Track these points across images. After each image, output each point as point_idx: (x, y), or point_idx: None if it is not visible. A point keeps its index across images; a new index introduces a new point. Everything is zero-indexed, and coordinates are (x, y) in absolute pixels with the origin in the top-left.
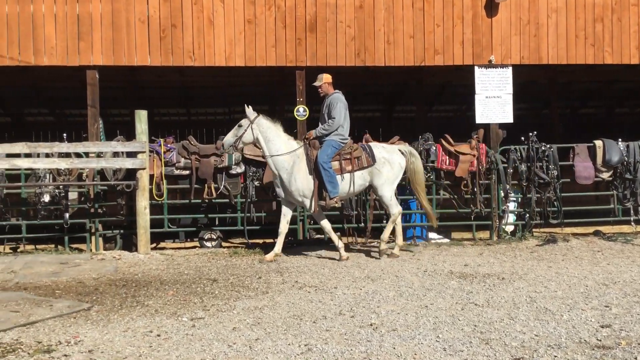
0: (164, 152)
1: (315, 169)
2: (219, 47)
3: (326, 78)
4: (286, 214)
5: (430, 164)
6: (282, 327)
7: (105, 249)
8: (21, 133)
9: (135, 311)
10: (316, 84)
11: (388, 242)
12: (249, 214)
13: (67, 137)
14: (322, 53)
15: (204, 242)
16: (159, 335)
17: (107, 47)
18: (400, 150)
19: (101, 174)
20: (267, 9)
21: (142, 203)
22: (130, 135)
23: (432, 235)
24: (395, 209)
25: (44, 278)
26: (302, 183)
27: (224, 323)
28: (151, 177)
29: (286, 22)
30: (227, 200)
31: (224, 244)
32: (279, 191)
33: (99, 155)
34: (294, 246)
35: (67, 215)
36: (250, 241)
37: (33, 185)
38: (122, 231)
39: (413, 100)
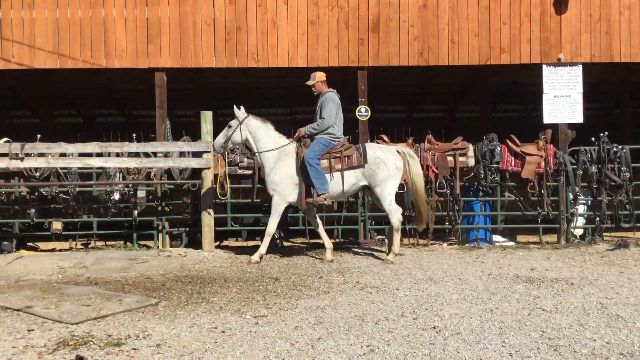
0: (228, 152)
1: (302, 166)
2: (282, 48)
3: (319, 76)
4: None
5: (495, 165)
6: (344, 327)
7: (171, 246)
8: (92, 133)
9: (200, 307)
10: (309, 82)
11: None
12: None
13: (136, 137)
14: (385, 53)
15: None
16: (223, 332)
17: (175, 50)
18: (398, 151)
19: (168, 173)
20: (329, 9)
21: (207, 202)
22: (195, 135)
23: (497, 238)
24: (395, 216)
25: (113, 273)
26: (277, 177)
27: (287, 321)
28: (215, 176)
29: (349, 23)
30: None
31: (285, 243)
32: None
33: (166, 155)
34: (355, 246)
35: (135, 212)
36: (312, 241)
37: (104, 184)
38: (187, 229)
39: (477, 100)
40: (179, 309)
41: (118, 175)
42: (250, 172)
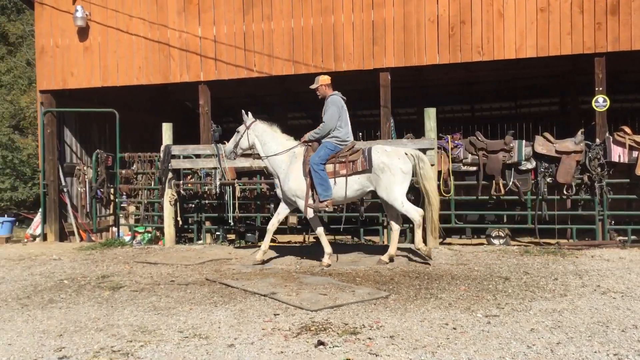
0: (451, 149)
1: (309, 171)
2: (509, 39)
3: (322, 80)
4: (280, 212)
5: None
6: (585, 332)
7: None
8: None
9: (429, 303)
10: (313, 86)
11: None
12: (540, 212)
13: (360, 136)
14: (626, 36)
15: (491, 239)
16: (454, 329)
17: (399, 49)
18: (407, 154)
19: None
20: None
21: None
22: (416, 132)
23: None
24: (413, 214)
25: (344, 266)
26: (294, 183)
27: (521, 323)
28: (439, 172)
29: (583, 7)
30: (515, 197)
31: (511, 242)
32: (278, 191)
33: None
34: (589, 248)
35: (362, 208)
36: (542, 240)
37: None
38: (411, 225)
39: None
40: (409, 303)
41: None
42: (474, 168)
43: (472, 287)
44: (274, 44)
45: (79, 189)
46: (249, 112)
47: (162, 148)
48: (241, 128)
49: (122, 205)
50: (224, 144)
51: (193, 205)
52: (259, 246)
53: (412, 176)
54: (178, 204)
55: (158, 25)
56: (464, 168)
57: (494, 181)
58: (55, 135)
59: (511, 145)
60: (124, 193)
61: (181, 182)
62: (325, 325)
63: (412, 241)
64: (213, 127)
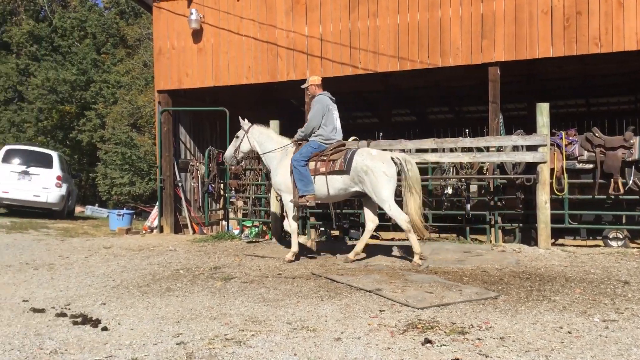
0: (565, 145)
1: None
2: (630, 30)
3: (312, 80)
4: (289, 208)
5: None
6: None
7: (504, 241)
8: (424, 130)
9: (541, 305)
10: (303, 86)
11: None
12: None
13: (467, 133)
14: None
15: (609, 240)
16: (569, 333)
17: (509, 43)
18: (392, 158)
19: (500, 167)
20: None
21: (543, 197)
22: (526, 128)
23: None
24: (400, 219)
25: (450, 265)
26: (280, 177)
27: None
28: (551, 170)
29: None
30: (636, 196)
31: (630, 244)
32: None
33: (498, 149)
34: None
35: (468, 206)
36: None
37: (438, 178)
38: (520, 225)
39: None
40: (519, 304)
41: (452, 169)
42: (590, 166)
43: (587, 290)
44: (379, 40)
45: (192, 184)
46: (245, 118)
47: None
48: (240, 133)
49: (231, 200)
50: None
51: None
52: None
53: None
54: None
55: (267, 26)
56: (579, 166)
57: (612, 180)
58: (171, 133)
59: (631, 141)
60: (233, 188)
61: None
62: (432, 323)
63: (521, 241)
64: None
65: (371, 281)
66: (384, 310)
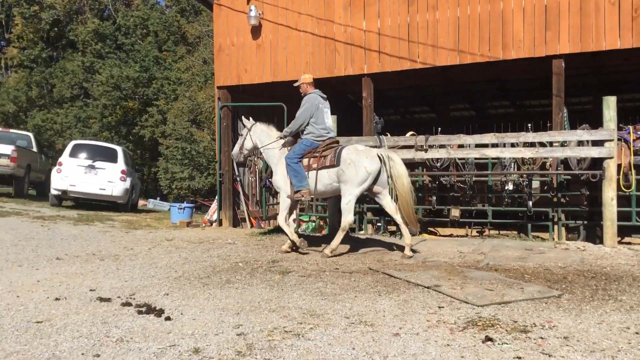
0: (633, 140)
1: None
2: None
3: (304, 79)
4: (284, 202)
5: None
6: None
7: (567, 239)
8: (483, 125)
9: (607, 305)
10: (295, 84)
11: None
12: None
13: (529, 127)
14: None
15: None
16: (637, 333)
17: (574, 34)
18: (378, 155)
19: (564, 163)
20: None
21: (609, 194)
22: (591, 123)
23: None
24: (348, 217)
25: (511, 262)
26: (279, 176)
27: None
28: (618, 166)
29: None
30: None
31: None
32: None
33: (562, 144)
34: None
35: (530, 203)
36: None
37: (499, 174)
38: (585, 222)
39: None
40: (584, 303)
41: (512, 165)
42: None
43: None
44: (439, 34)
45: (250, 178)
46: (250, 117)
47: None
48: (244, 131)
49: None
50: (387, 135)
51: None
52: (425, 239)
53: (377, 178)
54: None
55: (325, 21)
56: None
57: None
58: (230, 128)
59: None
60: None
61: None
62: (492, 321)
63: (585, 239)
64: (375, 119)
65: (429, 277)
66: (442, 307)
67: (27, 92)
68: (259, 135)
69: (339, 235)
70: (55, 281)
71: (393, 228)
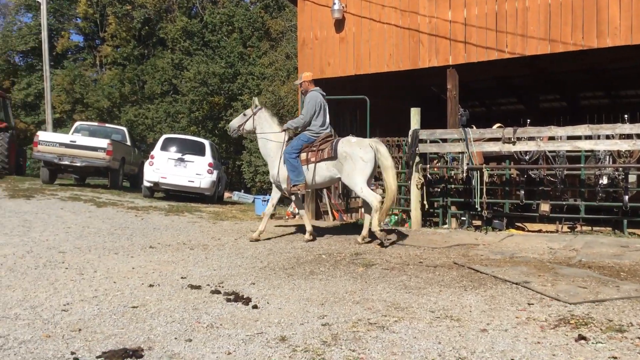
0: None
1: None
2: None
3: (305, 77)
4: (273, 197)
5: None
6: None
7: None
8: (576, 116)
9: None
10: (296, 82)
11: None
12: None
13: (626, 118)
14: None
15: None
16: None
17: None
18: (370, 145)
19: None
20: None
21: None
22: None
23: None
24: (370, 199)
25: (605, 259)
26: (276, 170)
27: None
28: None
29: None
30: None
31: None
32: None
33: None
34: None
35: (626, 198)
36: None
37: (592, 167)
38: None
39: None
40: None
41: (607, 158)
42: None
43: None
44: (528, 22)
45: None
46: (257, 98)
47: (410, 132)
48: (248, 112)
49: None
50: (472, 128)
51: (439, 190)
52: (513, 234)
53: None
54: (424, 187)
55: (409, 13)
56: None
57: None
58: None
59: None
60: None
61: (427, 166)
62: (586, 319)
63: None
64: (460, 111)
65: (518, 273)
66: (532, 304)
67: (120, 88)
68: (262, 122)
69: (375, 217)
70: (148, 268)
71: (478, 222)
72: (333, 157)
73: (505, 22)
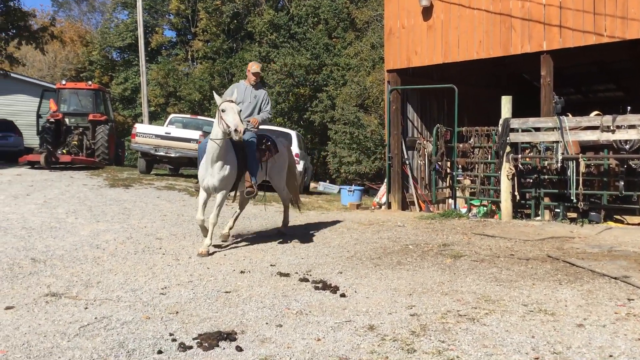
0: None
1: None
2: None
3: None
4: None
5: None
6: None
7: None
8: None
9: None
10: (257, 71)
11: None
12: None
13: None
14: None
15: None
16: None
17: None
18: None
19: None
20: None
21: None
22: None
23: None
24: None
25: None
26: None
27: None
28: None
29: None
30: None
31: None
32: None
33: None
34: None
35: None
36: None
37: None
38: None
39: None
40: None
41: None
42: None
43: None
44: (629, 4)
45: (419, 161)
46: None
47: (500, 121)
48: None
49: (458, 178)
50: (568, 116)
51: (531, 181)
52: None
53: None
54: (515, 178)
55: None
56: None
57: None
58: (399, 111)
59: None
60: (461, 166)
61: (519, 156)
62: None
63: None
64: (555, 98)
65: (617, 267)
66: (632, 299)
67: (211, 81)
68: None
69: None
70: (239, 255)
71: (573, 215)
72: (278, 152)
73: (604, 4)
